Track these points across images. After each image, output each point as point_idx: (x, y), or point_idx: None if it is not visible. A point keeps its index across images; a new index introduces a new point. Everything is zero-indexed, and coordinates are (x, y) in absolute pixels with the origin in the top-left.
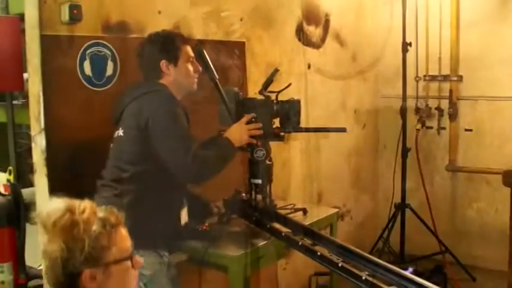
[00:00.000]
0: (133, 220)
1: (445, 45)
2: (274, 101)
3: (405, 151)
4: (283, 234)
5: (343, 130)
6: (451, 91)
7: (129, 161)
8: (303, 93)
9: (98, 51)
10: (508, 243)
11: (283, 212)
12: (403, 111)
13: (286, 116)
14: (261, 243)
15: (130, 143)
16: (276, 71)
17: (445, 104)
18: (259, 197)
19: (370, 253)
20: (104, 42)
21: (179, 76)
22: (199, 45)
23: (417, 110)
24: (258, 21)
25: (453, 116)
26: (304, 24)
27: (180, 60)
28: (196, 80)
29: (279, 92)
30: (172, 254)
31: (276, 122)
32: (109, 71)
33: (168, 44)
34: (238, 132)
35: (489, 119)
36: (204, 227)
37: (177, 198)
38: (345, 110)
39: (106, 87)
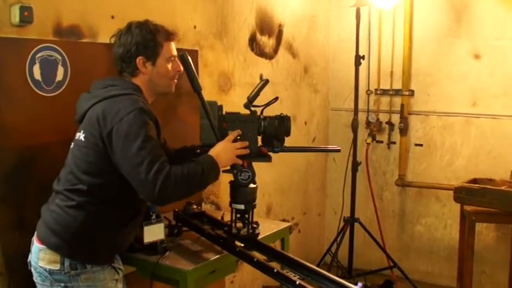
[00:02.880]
0: (90, 235)
1: (397, 59)
2: (262, 117)
3: (356, 165)
4: (237, 249)
5: (337, 150)
6: (402, 105)
7: (87, 172)
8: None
9: (48, 55)
10: (456, 259)
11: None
12: (354, 125)
13: (274, 134)
14: (213, 257)
15: (90, 152)
16: (266, 82)
17: (395, 119)
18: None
19: (318, 267)
20: (55, 46)
21: (156, 76)
22: (183, 52)
23: (368, 123)
24: (211, 30)
25: (404, 130)
26: (258, 34)
27: (160, 59)
28: (175, 82)
29: (265, 106)
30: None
31: (258, 139)
32: (59, 76)
33: (148, 38)
34: (226, 152)
35: (439, 134)
36: (155, 240)
37: (140, 214)
38: (295, 122)
39: (56, 93)
